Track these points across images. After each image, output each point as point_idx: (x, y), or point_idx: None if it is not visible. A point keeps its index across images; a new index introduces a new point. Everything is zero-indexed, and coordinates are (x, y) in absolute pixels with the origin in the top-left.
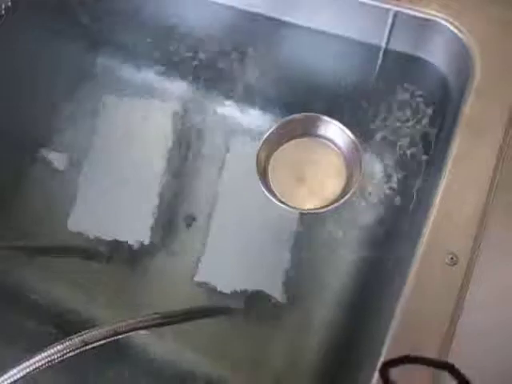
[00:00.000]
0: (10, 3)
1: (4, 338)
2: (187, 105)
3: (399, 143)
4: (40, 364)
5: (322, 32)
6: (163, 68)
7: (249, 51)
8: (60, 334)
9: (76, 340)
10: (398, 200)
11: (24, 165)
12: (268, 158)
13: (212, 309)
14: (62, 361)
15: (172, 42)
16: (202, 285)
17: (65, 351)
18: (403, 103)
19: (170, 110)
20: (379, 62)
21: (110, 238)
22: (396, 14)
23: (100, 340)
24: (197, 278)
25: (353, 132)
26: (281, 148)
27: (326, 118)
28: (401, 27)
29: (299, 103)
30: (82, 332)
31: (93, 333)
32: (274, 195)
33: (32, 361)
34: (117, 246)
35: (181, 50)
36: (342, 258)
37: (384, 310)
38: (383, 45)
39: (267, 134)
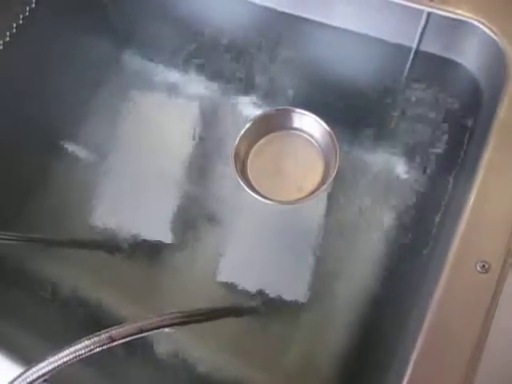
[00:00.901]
0: (33, 5)
1: (24, 327)
2: (210, 102)
3: (427, 147)
4: (68, 358)
5: (352, 32)
6: (188, 64)
7: (275, 50)
8: (78, 325)
9: (103, 336)
10: (425, 205)
11: (48, 158)
12: (246, 153)
13: (236, 308)
14: (90, 356)
15: (197, 39)
16: (223, 283)
17: (92, 346)
18: (432, 105)
19: (194, 107)
20: (409, 63)
21: (131, 234)
22: (429, 15)
23: (126, 337)
24: (218, 277)
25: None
26: (258, 143)
27: (300, 110)
28: (433, 28)
29: (323, 102)
30: (109, 328)
31: (119, 329)
32: (254, 190)
33: (60, 355)
34: (138, 242)
35: (206, 47)
36: (366, 262)
37: (412, 316)
38: (414, 46)
39: (243, 129)
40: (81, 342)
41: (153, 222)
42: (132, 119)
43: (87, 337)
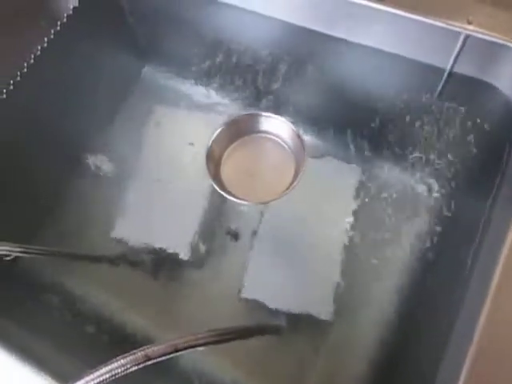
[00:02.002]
0: (65, 19)
1: (53, 343)
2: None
3: (460, 169)
4: (104, 378)
5: (383, 51)
6: (210, 80)
7: (301, 68)
8: (101, 339)
9: (139, 354)
10: (459, 228)
11: (71, 171)
12: (219, 158)
13: (266, 327)
14: (125, 375)
15: (220, 56)
16: (247, 301)
17: (128, 365)
18: (465, 127)
19: (216, 122)
20: (441, 83)
21: (153, 249)
22: (467, 38)
23: (162, 355)
24: (240, 294)
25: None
26: (230, 147)
27: (268, 113)
28: (469, 50)
29: (350, 121)
30: (145, 347)
31: (155, 348)
32: (229, 193)
33: (96, 374)
34: (160, 257)
35: (229, 64)
36: (393, 280)
37: (451, 343)
38: (448, 67)
39: (214, 134)
40: (117, 361)
41: (175, 238)
42: (154, 133)
43: (123, 355)
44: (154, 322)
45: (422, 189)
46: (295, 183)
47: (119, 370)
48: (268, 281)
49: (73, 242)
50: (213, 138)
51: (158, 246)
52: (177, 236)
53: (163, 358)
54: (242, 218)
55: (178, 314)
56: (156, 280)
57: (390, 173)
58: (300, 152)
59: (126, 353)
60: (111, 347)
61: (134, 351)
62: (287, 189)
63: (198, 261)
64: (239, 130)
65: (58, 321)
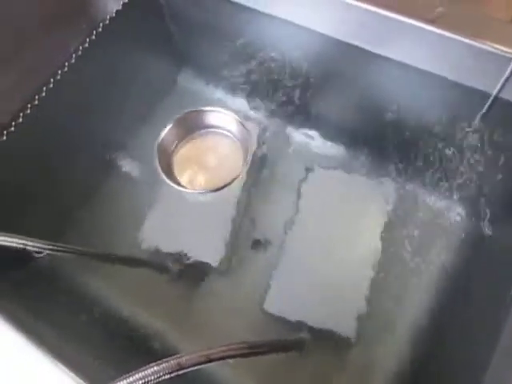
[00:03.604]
0: (120, 7)
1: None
2: (264, 129)
3: (499, 199)
4: None
5: (429, 73)
6: (243, 90)
7: (341, 84)
8: (121, 342)
9: (172, 362)
10: (493, 256)
11: (101, 173)
12: (170, 155)
13: (292, 342)
14: (158, 383)
15: (257, 66)
16: (269, 314)
17: (161, 373)
18: (508, 156)
19: (247, 131)
20: (485, 108)
21: (178, 256)
22: None
23: (195, 365)
24: (264, 307)
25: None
26: (180, 144)
27: (213, 108)
28: None
29: (388, 140)
30: (178, 355)
31: (188, 357)
32: (183, 187)
33: (129, 380)
34: (185, 264)
35: (265, 75)
36: (421, 301)
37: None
38: (494, 92)
39: (163, 134)
40: (149, 368)
41: (202, 245)
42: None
43: (156, 362)
44: (175, 328)
45: (457, 215)
46: (244, 169)
47: (152, 378)
48: (292, 295)
49: (99, 244)
50: (162, 136)
51: (184, 252)
52: (204, 243)
53: (195, 367)
54: (270, 230)
55: (200, 322)
56: (180, 287)
57: (423, 194)
58: (247, 140)
59: (147, 358)
60: (132, 351)
61: (167, 359)
62: (238, 175)
63: (224, 270)
64: (187, 126)
65: (83, 320)
